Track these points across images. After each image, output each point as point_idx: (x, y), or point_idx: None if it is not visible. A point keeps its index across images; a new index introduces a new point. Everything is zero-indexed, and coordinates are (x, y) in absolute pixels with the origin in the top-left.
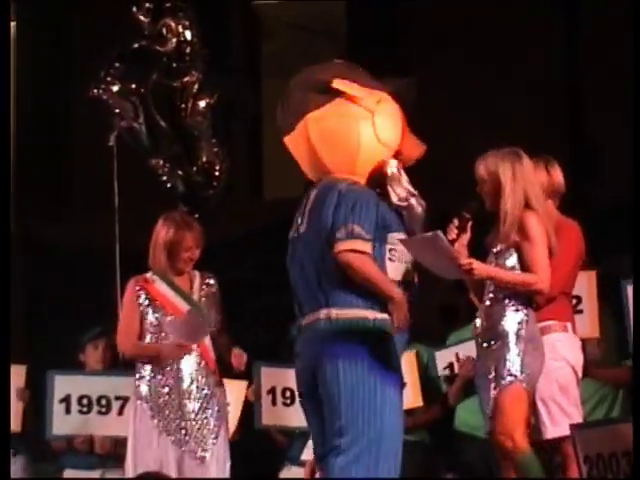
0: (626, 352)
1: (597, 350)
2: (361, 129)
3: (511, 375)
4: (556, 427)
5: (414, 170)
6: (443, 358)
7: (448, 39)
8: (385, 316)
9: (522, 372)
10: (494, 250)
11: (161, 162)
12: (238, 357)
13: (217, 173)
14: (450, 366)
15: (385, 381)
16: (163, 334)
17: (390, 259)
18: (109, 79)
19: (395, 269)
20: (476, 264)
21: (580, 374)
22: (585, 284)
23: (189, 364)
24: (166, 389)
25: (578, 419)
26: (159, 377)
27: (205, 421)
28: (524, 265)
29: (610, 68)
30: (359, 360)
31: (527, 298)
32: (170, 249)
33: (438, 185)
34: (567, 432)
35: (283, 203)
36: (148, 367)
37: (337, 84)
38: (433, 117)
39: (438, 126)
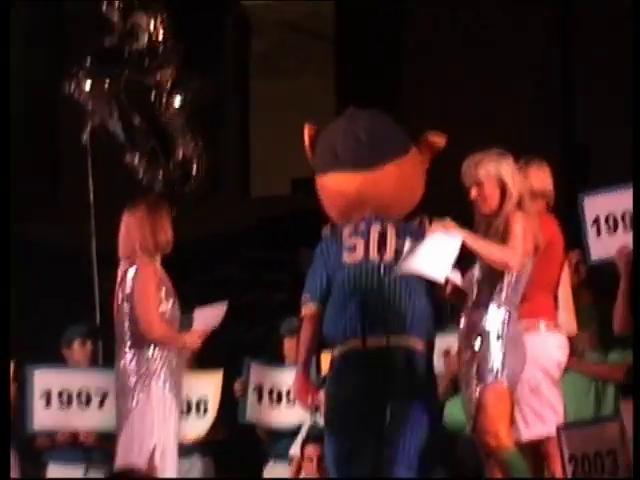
0: (610, 342)
1: (585, 344)
2: (420, 175)
3: (493, 374)
4: (530, 429)
5: None
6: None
7: (438, 40)
8: None
9: (504, 371)
10: None
11: (137, 159)
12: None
13: (195, 169)
14: None
15: None
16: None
17: None
18: (80, 76)
19: None
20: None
21: (557, 373)
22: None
23: None
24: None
25: (552, 420)
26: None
27: None
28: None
29: (603, 67)
30: None
31: (510, 297)
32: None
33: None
34: (541, 433)
35: (270, 201)
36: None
37: (432, 137)
38: (422, 119)
39: (427, 126)
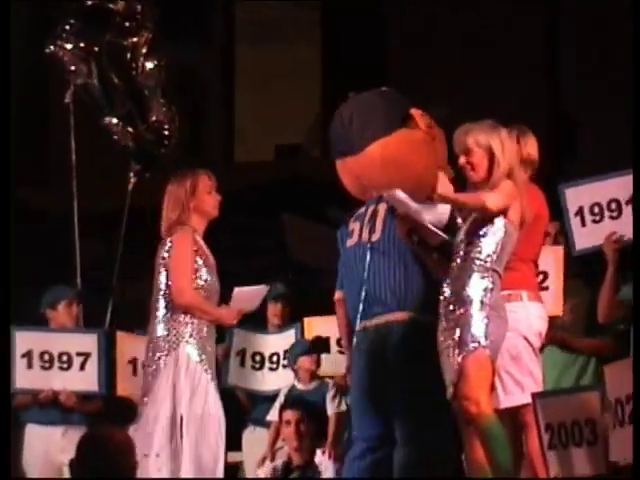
0: (595, 319)
1: (568, 318)
2: (423, 153)
3: (475, 341)
4: (509, 396)
5: None
6: None
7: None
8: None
9: (486, 338)
10: (469, 219)
11: (115, 120)
12: None
13: (167, 132)
14: None
15: None
16: (207, 292)
17: None
18: (64, 36)
19: None
20: (438, 191)
21: (537, 343)
22: (552, 260)
23: None
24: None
25: (532, 388)
26: (204, 329)
27: None
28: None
29: (590, 47)
30: None
31: (493, 265)
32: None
33: None
34: (520, 401)
35: (254, 167)
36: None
37: (415, 113)
38: (412, 85)
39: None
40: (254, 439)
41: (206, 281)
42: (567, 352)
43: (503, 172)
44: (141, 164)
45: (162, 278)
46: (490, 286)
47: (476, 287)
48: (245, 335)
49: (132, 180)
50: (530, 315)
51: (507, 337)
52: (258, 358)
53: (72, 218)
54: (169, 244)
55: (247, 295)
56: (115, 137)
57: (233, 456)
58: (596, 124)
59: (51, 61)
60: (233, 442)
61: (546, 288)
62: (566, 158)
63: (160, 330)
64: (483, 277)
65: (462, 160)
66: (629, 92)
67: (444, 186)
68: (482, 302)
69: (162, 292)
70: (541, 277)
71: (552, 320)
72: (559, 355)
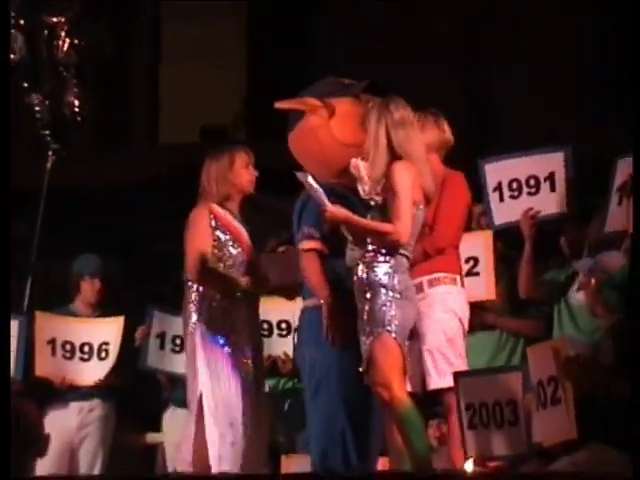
0: (519, 300)
1: (496, 300)
2: (320, 137)
3: (379, 326)
4: (441, 378)
5: None
6: None
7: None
8: None
9: (391, 323)
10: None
11: (38, 98)
12: None
13: (82, 111)
14: None
15: None
16: (227, 263)
17: None
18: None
19: None
20: (331, 207)
21: (467, 326)
22: (482, 245)
23: None
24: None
25: (463, 370)
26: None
27: None
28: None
29: (513, 27)
30: None
31: (395, 249)
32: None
33: None
34: (451, 383)
35: (179, 148)
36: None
37: (278, 105)
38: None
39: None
40: (174, 420)
41: (231, 255)
42: (496, 335)
43: (380, 152)
44: (60, 143)
45: None
46: (394, 269)
47: (380, 271)
48: (164, 317)
49: (51, 159)
50: (464, 299)
51: (444, 319)
52: (178, 341)
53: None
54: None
55: (275, 260)
56: (38, 115)
57: (153, 437)
58: (516, 106)
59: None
60: (153, 423)
61: (477, 274)
62: (487, 140)
63: (187, 305)
64: (386, 261)
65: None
66: (550, 73)
67: (401, 171)
68: (385, 286)
69: None
70: (471, 263)
71: (482, 304)
72: (488, 339)
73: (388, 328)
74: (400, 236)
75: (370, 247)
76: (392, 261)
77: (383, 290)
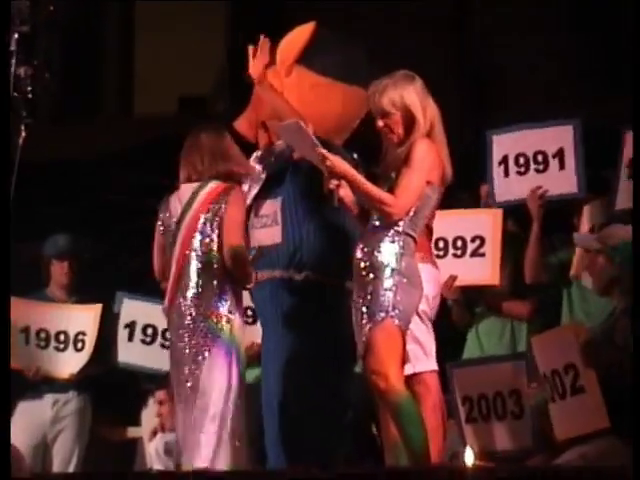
0: (522, 283)
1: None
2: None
3: (382, 311)
4: (430, 360)
5: None
6: None
7: None
8: None
9: (395, 308)
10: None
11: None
12: None
13: (49, 84)
14: None
15: None
16: None
17: None
18: None
19: None
20: (333, 157)
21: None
22: (490, 224)
23: None
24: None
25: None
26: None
27: None
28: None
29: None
30: None
31: (406, 229)
32: None
33: None
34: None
35: (154, 120)
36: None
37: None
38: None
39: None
40: (153, 414)
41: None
42: (499, 318)
43: (422, 132)
44: (32, 117)
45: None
46: (401, 251)
47: (386, 252)
48: (136, 305)
49: (23, 134)
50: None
51: (434, 301)
52: (150, 331)
53: None
54: (223, 203)
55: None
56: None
57: (133, 431)
58: (529, 75)
59: None
60: (132, 417)
61: (482, 254)
62: (494, 113)
63: None
64: (393, 241)
65: (380, 123)
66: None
67: (423, 146)
68: (392, 269)
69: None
70: (478, 242)
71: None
72: (491, 322)
73: (392, 314)
74: (396, 210)
75: (377, 222)
76: (400, 242)
77: (389, 273)
